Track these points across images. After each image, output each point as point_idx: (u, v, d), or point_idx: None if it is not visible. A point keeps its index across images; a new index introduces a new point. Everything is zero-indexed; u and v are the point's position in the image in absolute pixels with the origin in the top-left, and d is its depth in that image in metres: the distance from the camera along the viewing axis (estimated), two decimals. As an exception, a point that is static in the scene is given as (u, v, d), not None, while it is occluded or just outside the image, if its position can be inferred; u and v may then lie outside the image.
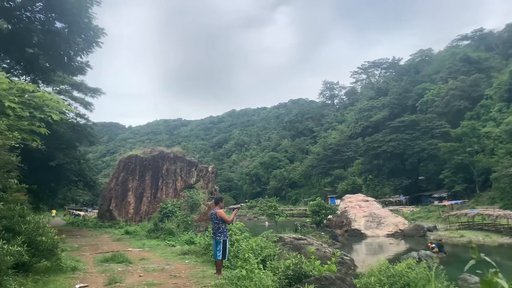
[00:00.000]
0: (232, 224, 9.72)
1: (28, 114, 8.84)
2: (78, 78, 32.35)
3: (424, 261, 23.22)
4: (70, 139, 32.36)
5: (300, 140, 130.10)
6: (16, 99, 8.31)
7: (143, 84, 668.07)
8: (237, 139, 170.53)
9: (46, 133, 9.27)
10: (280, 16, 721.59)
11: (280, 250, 11.58)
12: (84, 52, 21.47)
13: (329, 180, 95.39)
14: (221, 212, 8.38)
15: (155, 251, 14.00)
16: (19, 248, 6.66)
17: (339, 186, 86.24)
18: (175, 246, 15.17)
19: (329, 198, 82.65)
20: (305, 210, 77.45)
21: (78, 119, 34.74)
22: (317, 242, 21.24)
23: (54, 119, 9.15)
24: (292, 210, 74.83)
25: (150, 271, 9.07)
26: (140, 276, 8.41)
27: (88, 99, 33.56)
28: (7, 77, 8.01)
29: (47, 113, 8.73)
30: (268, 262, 8.60)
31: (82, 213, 59.51)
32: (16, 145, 10.60)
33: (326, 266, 8.51)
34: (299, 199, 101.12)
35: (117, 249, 15.04)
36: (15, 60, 22.25)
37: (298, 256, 8.04)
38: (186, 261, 10.71)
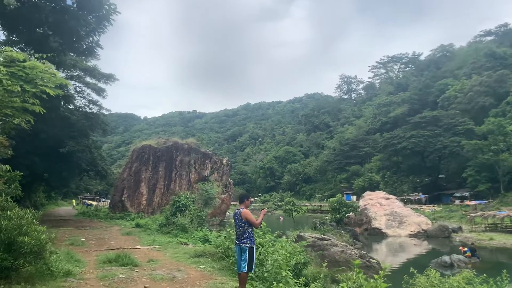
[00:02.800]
0: (261, 227, 8.10)
1: (19, 88, 7.41)
2: (91, 63, 31.22)
3: (456, 265, 21.51)
4: (83, 127, 31.26)
5: (316, 135, 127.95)
6: (3, 69, 6.89)
7: (159, 76, 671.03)
8: (252, 133, 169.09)
9: (41, 112, 7.87)
10: (297, 9, 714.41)
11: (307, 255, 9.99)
12: (96, 32, 20.12)
13: (345, 176, 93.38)
14: (247, 212, 6.71)
15: (165, 250, 12.57)
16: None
17: (356, 183, 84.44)
18: (187, 245, 13.73)
19: (344, 195, 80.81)
20: (320, 206, 75.90)
21: (91, 106, 33.57)
22: (342, 243, 19.61)
23: (50, 94, 7.70)
24: (306, 205, 73.13)
25: (157, 280, 7.58)
26: (145, 287, 6.94)
27: (101, 85, 32.31)
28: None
29: (40, 87, 7.30)
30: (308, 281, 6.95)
31: (94, 202, 58.89)
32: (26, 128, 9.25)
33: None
34: (313, 195, 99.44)
35: (125, 246, 13.70)
36: (25, 41, 21.07)
37: (353, 276, 6.38)
38: (201, 266, 9.13)
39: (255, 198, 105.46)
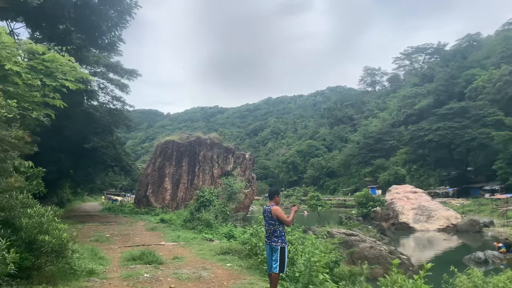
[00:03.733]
0: (292, 225, 7.61)
1: (39, 82, 7.18)
2: (114, 59, 31.33)
3: (491, 262, 20.56)
4: (106, 123, 31.50)
5: (339, 128, 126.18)
6: (23, 62, 6.66)
7: (181, 72, 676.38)
8: (273, 127, 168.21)
9: (62, 106, 7.64)
10: (319, 1, 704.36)
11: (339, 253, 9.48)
12: (118, 27, 19.99)
13: (370, 169, 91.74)
14: (278, 209, 6.20)
15: (190, 246, 12.28)
16: (16, 255, 5.04)
17: (381, 176, 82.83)
18: (213, 241, 13.43)
19: (369, 188, 79.49)
20: (344, 200, 74.85)
21: (115, 102, 33.77)
22: (370, 239, 18.97)
23: (72, 89, 7.45)
24: (330, 200, 72.20)
25: (183, 280, 7.23)
26: (170, 287, 6.61)
27: (124, 81, 32.45)
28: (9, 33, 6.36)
29: (60, 80, 7.04)
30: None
31: (119, 198, 59.61)
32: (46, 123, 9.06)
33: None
34: (337, 189, 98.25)
35: (149, 242, 13.51)
36: (48, 37, 21.12)
37: (394, 277, 5.86)
38: (228, 264, 8.75)
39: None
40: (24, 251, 5.61)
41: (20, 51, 6.95)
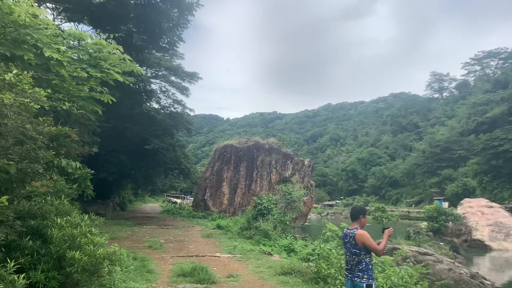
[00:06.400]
0: (384, 254, 5.82)
1: (85, 74, 6.38)
2: (176, 62, 31.35)
3: None
4: (167, 126, 31.64)
5: (403, 136, 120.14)
6: (67, 50, 5.88)
7: (241, 78, 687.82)
8: (332, 134, 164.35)
9: (110, 102, 6.83)
10: (381, 6, 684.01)
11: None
12: (179, 27, 19.56)
13: (436, 180, 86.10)
14: (364, 235, 4.71)
15: (247, 260, 11.10)
16: (42, 273, 4.16)
17: (448, 188, 77.29)
18: (272, 255, 12.18)
19: (435, 200, 74.38)
20: (408, 212, 70.53)
21: (175, 105, 33.88)
22: (448, 260, 16.71)
23: (120, 81, 6.60)
24: (393, 211, 68.32)
25: (238, 311, 6.05)
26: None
27: (185, 84, 32.42)
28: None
29: (107, 71, 6.21)
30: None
31: (179, 200, 60.46)
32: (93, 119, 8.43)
33: None
34: (400, 199, 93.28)
35: (203, 252, 12.54)
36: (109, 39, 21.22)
37: None
38: None
39: (337, 201, 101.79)
40: (52, 268, 4.71)
41: (62, 38, 6.18)
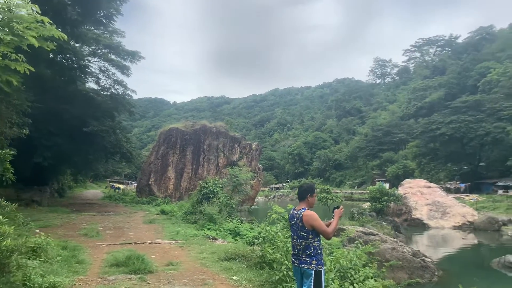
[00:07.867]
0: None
1: (-5, 38, 5.42)
2: (115, 40, 29.53)
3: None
4: (107, 108, 29.89)
5: (346, 120, 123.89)
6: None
7: (188, 61, 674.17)
8: (280, 118, 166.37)
9: (27, 72, 5.92)
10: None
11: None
12: (118, 1, 18.18)
13: (378, 162, 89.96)
14: (313, 216, 4.17)
15: (189, 246, 10.55)
16: None
17: (389, 170, 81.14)
18: (216, 239, 11.73)
19: (376, 182, 77.83)
20: (351, 193, 73.11)
21: (116, 86, 32.02)
22: (391, 239, 17.20)
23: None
24: (337, 192, 70.54)
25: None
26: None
27: (126, 63, 30.65)
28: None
29: (19, 34, 5.32)
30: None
31: (122, 186, 58.47)
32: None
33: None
34: (343, 181, 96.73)
35: (143, 239, 11.84)
36: (42, 11, 19.34)
37: None
38: (234, 277, 6.80)
39: (284, 184, 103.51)
40: None
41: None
